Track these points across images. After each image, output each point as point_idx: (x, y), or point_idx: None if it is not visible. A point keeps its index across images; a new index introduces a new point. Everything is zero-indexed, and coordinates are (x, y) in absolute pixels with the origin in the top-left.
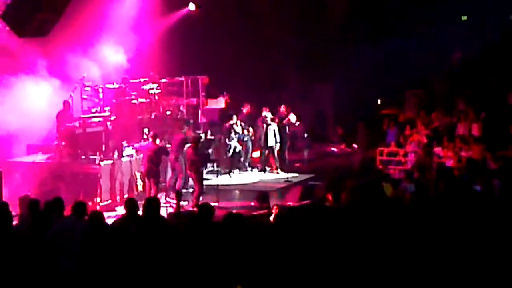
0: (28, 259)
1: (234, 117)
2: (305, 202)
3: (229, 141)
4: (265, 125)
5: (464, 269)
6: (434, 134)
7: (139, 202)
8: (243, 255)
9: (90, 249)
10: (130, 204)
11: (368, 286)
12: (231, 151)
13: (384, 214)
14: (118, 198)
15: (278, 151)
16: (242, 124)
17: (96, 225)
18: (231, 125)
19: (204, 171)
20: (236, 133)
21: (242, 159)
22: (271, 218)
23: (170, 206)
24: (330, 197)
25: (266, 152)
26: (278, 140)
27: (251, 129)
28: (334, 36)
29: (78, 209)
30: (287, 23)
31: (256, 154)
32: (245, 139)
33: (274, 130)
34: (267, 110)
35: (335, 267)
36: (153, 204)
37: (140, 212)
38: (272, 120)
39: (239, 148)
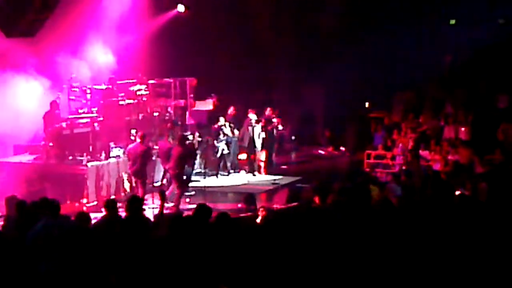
0: (12, 260)
1: (222, 119)
2: (292, 204)
3: (218, 143)
4: (250, 128)
5: (449, 271)
6: (421, 137)
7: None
8: (229, 255)
9: (71, 251)
10: (110, 205)
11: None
12: (220, 153)
13: (371, 216)
14: (105, 199)
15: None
16: (231, 125)
17: (80, 226)
18: (220, 127)
19: (192, 172)
20: (224, 135)
21: (228, 162)
22: (258, 220)
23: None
24: (317, 200)
25: (252, 154)
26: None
27: (236, 131)
28: (325, 38)
29: (52, 207)
30: (277, 24)
31: (242, 156)
32: (230, 141)
33: (259, 133)
34: (253, 112)
35: (322, 268)
36: (135, 204)
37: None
38: (257, 122)
39: (227, 150)
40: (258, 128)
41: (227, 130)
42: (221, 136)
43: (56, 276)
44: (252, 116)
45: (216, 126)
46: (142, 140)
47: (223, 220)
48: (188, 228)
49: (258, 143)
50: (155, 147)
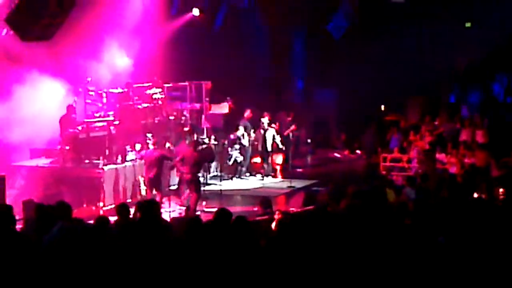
0: (32, 262)
1: (241, 128)
2: (308, 208)
3: (231, 151)
4: (262, 131)
5: (463, 276)
6: (437, 140)
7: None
8: (245, 259)
9: (86, 254)
10: (122, 210)
11: None
12: (232, 160)
13: (386, 220)
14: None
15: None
16: (246, 131)
17: (95, 229)
18: (238, 137)
19: (208, 176)
20: (242, 145)
21: (243, 167)
22: (273, 224)
23: (174, 211)
24: (332, 203)
25: (266, 157)
26: (276, 143)
27: (252, 134)
28: (339, 42)
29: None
30: (291, 27)
31: (257, 159)
32: (245, 145)
33: (273, 136)
34: (268, 115)
35: (336, 273)
36: (150, 206)
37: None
38: (269, 125)
39: (240, 158)
40: (271, 131)
41: (245, 141)
42: (237, 145)
43: (72, 279)
44: (264, 120)
45: (234, 135)
46: (155, 146)
47: (241, 223)
48: (205, 231)
49: (270, 146)
50: (172, 149)
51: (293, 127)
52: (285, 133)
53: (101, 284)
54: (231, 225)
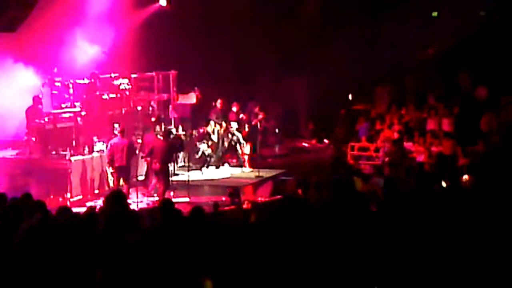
0: None
1: (212, 123)
2: (276, 197)
3: (199, 144)
4: (229, 134)
5: (431, 263)
6: (405, 129)
7: None
8: (211, 249)
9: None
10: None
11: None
12: (200, 153)
13: (355, 210)
14: (88, 193)
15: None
16: (214, 119)
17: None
18: (208, 133)
19: (176, 166)
20: (211, 140)
21: (212, 159)
22: (242, 214)
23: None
24: (300, 192)
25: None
26: (240, 140)
27: (224, 124)
28: (308, 31)
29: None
30: (260, 17)
31: (246, 150)
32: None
33: (238, 137)
34: (237, 106)
35: (306, 261)
36: (118, 199)
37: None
38: (237, 130)
39: (208, 151)
40: (234, 127)
41: (214, 136)
42: (206, 140)
43: (44, 274)
44: (233, 124)
45: (203, 129)
46: (122, 134)
47: (198, 213)
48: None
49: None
50: (139, 141)
51: (261, 116)
52: (254, 123)
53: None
54: (189, 216)
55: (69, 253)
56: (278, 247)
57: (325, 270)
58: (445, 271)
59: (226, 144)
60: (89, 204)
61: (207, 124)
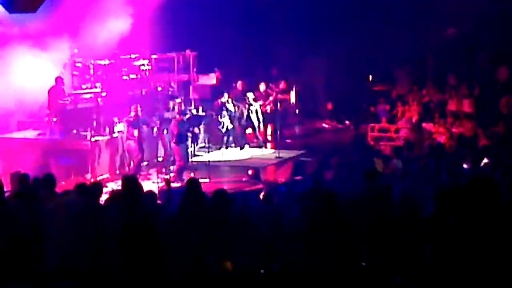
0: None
1: (226, 94)
2: (296, 178)
3: (221, 118)
4: (247, 106)
5: (455, 249)
6: (425, 110)
7: None
8: (231, 231)
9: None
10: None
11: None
12: (224, 128)
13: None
14: (108, 174)
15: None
16: (234, 101)
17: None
18: (223, 103)
19: (196, 147)
20: (228, 110)
21: (231, 137)
22: (261, 195)
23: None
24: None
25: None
26: (260, 119)
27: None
28: (328, 12)
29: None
30: None
31: (248, 130)
32: (234, 116)
33: (256, 110)
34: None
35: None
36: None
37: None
38: (254, 100)
39: (230, 126)
40: (255, 106)
41: (230, 105)
42: (224, 112)
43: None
44: (249, 95)
45: (219, 101)
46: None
47: (219, 196)
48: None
49: (256, 120)
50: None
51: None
52: (281, 97)
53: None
54: (211, 199)
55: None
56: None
57: (350, 253)
58: (467, 259)
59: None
60: (110, 185)
61: (221, 95)
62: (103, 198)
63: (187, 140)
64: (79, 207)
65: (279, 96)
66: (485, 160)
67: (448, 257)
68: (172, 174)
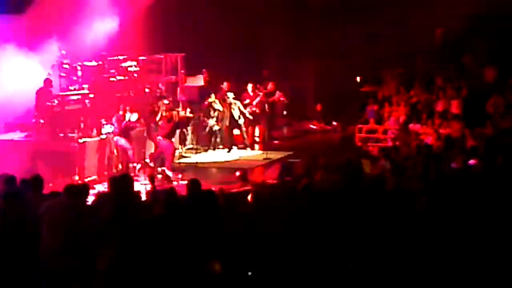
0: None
1: (213, 95)
2: (284, 179)
3: (208, 119)
4: (228, 105)
5: (442, 248)
6: (413, 111)
7: None
8: (220, 232)
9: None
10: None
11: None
12: (208, 128)
13: (364, 193)
14: (96, 176)
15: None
16: (221, 101)
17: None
18: (210, 103)
19: (183, 149)
20: (215, 110)
21: (218, 138)
22: (249, 197)
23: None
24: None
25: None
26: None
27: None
28: (316, 12)
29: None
30: None
31: (236, 131)
32: (221, 117)
33: (239, 108)
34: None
35: (313, 242)
36: (125, 183)
37: None
38: (234, 99)
39: (216, 127)
40: (236, 104)
41: (217, 105)
42: (212, 113)
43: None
44: (229, 94)
45: (206, 102)
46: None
47: (210, 196)
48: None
49: (237, 117)
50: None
51: (278, 94)
52: (276, 99)
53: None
54: (201, 198)
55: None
56: (284, 231)
57: (329, 251)
58: (455, 255)
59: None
60: (97, 187)
61: (209, 96)
62: (90, 199)
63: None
64: (68, 208)
65: (267, 97)
66: (472, 160)
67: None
68: (159, 176)
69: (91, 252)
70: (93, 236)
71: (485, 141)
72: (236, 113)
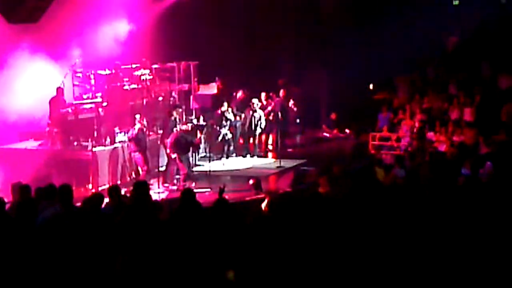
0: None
1: (225, 104)
2: (297, 187)
3: (220, 128)
4: (251, 112)
5: (454, 254)
6: (427, 119)
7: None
8: (234, 240)
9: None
10: (113, 192)
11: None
12: (221, 137)
13: (377, 200)
14: (110, 184)
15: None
16: (234, 110)
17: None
18: (223, 112)
19: (197, 157)
20: (227, 120)
21: (231, 146)
22: (263, 205)
23: (166, 191)
24: (321, 182)
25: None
26: (263, 127)
27: (243, 115)
28: (329, 21)
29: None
30: (282, 7)
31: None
32: (237, 125)
33: (260, 117)
34: (264, 96)
35: (326, 253)
36: (141, 189)
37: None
38: (260, 108)
39: (229, 135)
40: (259, 113)
41: (229, 115)
42: (224, 122)
43: (65, 261)
44: (255, 101)
45: (219, 111)
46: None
47: (221, 205)
48: (192, 213)
49: (254, 126)
50: (160, 131)
51: (291, 102)
52: (292, 105)
53: (94, 263)
54: (213, 207)
55: (89, 242)
56: (299, 238)
57: (339, 263)
58: (465, 261)
59: (247, 124)
60: None
61: (221, 105)
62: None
63: (188, 150)
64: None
65: (279, 106)
66: (486, 167)
67: None
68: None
69: (107, 255)
70: (109, 240)
71: (498, 148)
72: (255, 122)
